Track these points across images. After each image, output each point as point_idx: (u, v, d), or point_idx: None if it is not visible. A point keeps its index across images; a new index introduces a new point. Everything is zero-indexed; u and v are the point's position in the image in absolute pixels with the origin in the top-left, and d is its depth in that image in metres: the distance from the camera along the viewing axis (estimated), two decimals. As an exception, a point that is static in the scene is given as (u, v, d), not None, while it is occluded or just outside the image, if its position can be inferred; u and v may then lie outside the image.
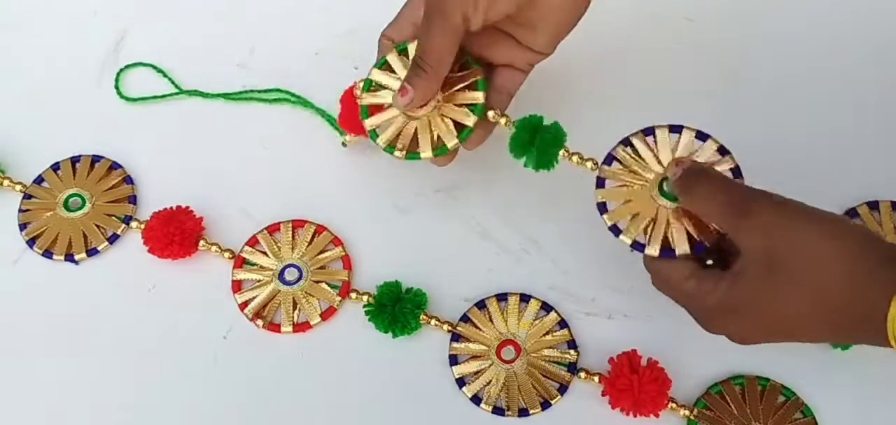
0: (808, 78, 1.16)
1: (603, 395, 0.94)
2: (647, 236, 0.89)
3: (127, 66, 1.21)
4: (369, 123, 1.00)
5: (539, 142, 0.96)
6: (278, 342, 1.00)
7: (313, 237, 1.06)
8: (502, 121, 0.98)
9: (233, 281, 1.03)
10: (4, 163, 1.12)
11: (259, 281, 1.03)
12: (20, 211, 1.09)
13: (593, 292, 1.01)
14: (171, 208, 1.06)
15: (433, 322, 0.99)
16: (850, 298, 0.79)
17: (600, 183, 0.94)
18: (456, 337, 0.99)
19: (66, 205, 1.09)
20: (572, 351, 0.98)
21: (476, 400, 0.95)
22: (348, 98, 1.08)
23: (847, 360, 0.95)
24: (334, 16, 1.24)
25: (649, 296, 0.95)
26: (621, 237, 0.90)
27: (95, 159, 1.12)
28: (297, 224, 1.07)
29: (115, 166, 1.12)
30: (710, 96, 1.15)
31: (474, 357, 0.98)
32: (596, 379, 0.95)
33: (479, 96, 0.99)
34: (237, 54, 1.22)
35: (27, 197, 1.10)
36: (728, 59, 1.18)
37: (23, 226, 1.08)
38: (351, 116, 1.08)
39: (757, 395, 0.94)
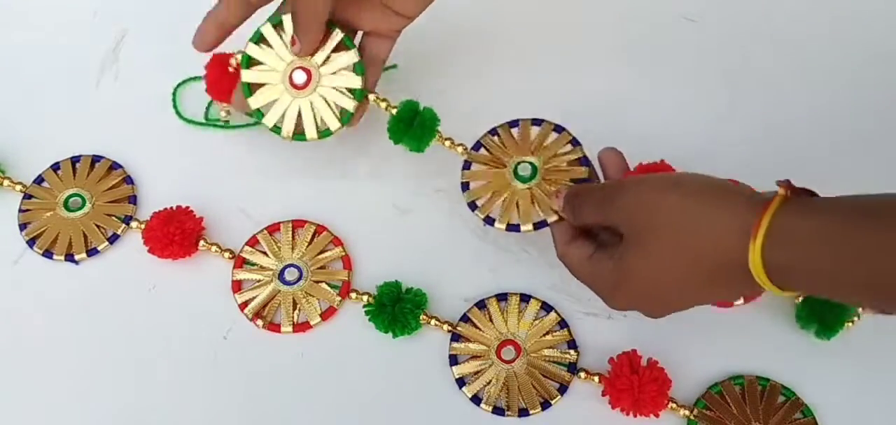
0: (808, 77, 1.17)
1: (603, 395, 0.94)
2: (500, 212, 0.99)
3: (183, 82, 1.20)
4: (254, 102, 1.04)
5: (416, 126, 1.05)
6: (278, 342, 1.00)
7: (313, 237, 1.06)
8: (382, 105, 1.04)
9: (233, 281, 1.03)
10: (4, 163, 1.12)
11: (259, 281, 1.03)
12: (20, 211, 1.09)
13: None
14: (171, 208, 1.06)
15: (433, 322, 0.99)
16: (715, 248, 0.82)
17: (467, 165, 1.04)
18: (456, 337, 0.99)
19: (66, 205, 1.09)
20: (572, 351, 0.98)
21: (476, 400, 0.95)
22: (216, 65, 1.12)
23: (847, 360, 0.95)
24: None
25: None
26: (476, 212, 1.00)
27: (96, 159, 1.12)
28: (297, 224, 1.07)
29: (115, 166, 1.12)
30: (711, 96, 1.15)
31: (474, 357, 0.98)
32: (596, 379, 0.95)
33: (357, 81, 1.03)
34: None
35: (27, 197, 1.10)
36: (728, 59, 1.18)
37: (23, 226, 1.08)
38: (219, 84, 1.12)
39: (757, 395, 0.94)
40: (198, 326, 1.01)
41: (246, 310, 1.01)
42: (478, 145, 1.05)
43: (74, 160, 1.12)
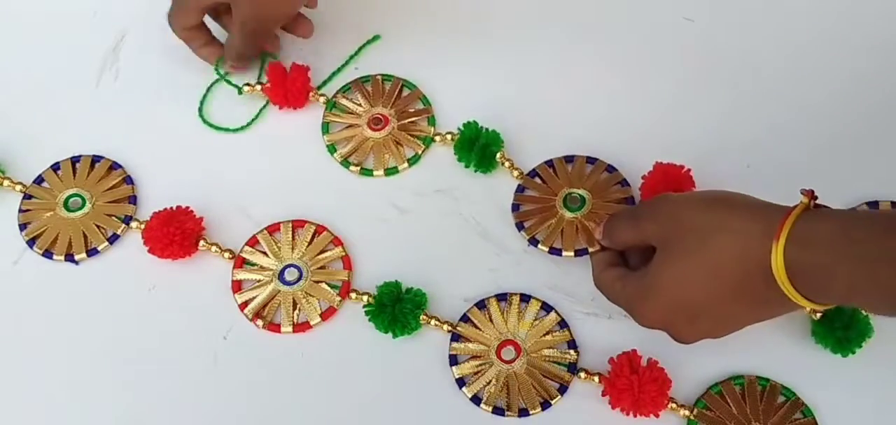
0: (808, 77, 1.16)
1: (603, 395, 0.94)
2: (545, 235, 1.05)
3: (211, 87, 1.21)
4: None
5: (478, 148, 1.09)
6: (278, 342, 1.00)
7: (313, 237, 1.06)
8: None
9: (233, 281, 1.03)
10: (4, 164, 1.12)
11: (259, 281, 1.03)
12: (20, 211, 1.09)
13: (593, 292, 1.00)
14: (171, 208, 1.06)
15: (433, 322, 0.99)
16: (739, 254, 0.84)
17: (521, 189, 1.09)
18: (456, 337, 0.99)
19: (66, 206, 1.09)
20: (572, 352, 0.97)
21: (476, 400, 0.95)
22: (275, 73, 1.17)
23: (847, 360, 0.95)
24: (334, 15, 1.24)
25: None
26: (522, 232, 1.05)
27: (95, 159, 1.12)
28: (297, 224, 1.07)
29: (115, 166, 1.12)
30: (711, 96, 1.15)
31: (474, 357, 0.98)
32: (596, 379, 0.95)
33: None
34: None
35: (27, 197, 1.10)
36: (728, 59, 1.18)
37: (23, 227, 1.08)
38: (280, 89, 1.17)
39: (757, 395, 0.94)
40: (198, 326, 1.01)
41: (246, 310, 1.01)
42: (534, 172, 1.10)
43: (74, 160, 1.12)
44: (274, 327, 1.01)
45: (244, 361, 0.99)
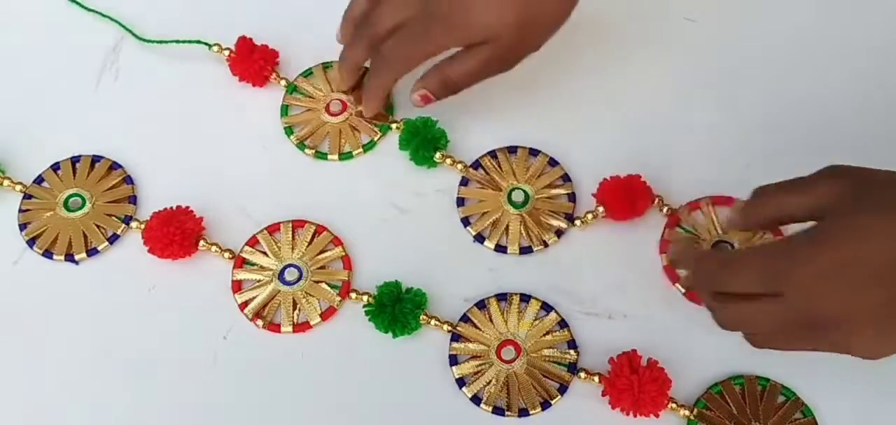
0: (808, 77, 1.17)
1: (603, 395, 0.94)
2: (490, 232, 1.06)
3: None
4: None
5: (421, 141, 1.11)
6: (278, 342, 1.00)
7: (313, 237, 1.06)
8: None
9: (233, 281, 1.03)
10: (4, 163, 1.12)
11: (259, 281, 1.03)
12: (20, 211, 1.09)
13: (593, 292, 1.01)
14: (171, 208, 1.06)
15: (433, 322, 0.99)
16: None
17: (464, 182, 1.10)
18: (456, 337, 0.99)
19: (66, 206, 1.09)
20: (572, 352, 0.97)
21: (476, 400, 0.95)
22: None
23: (847, 359, 0.95)
24: (333, 15, 1.24)
25: (649, 296, 0.98)
26: (468, 229, 1.07)
27: (95, 159, 1.12)
28: (297, 224, 1.07)
29: (115, 166, 1.12)
30: (711, 96, 1.15)
31: (474, 357, 0.98)
32: (596, 379, 0.95)
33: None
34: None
35: (27, 197, 1.10)
36: (728, 59, 1.18)
37: (23, 226, 1.08)
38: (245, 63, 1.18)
39: (757, 395, 0.94)
40: (197, 326, 1.01)
41: (246, 310, 1.01)
42: (477, 164, 1.11)
43: (74, 160, 1.12)
44: (274, 327, 1.01)
45: (244, 361, 0.99)
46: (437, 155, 1.11)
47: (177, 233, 1.03)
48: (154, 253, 1.04)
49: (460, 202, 1.09)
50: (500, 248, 1.05)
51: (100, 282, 1.05)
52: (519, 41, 1.03)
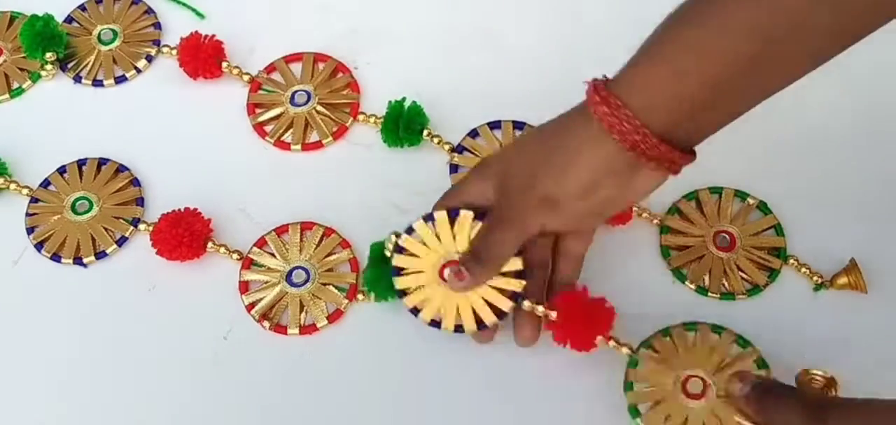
0: (808, 77, 1.16)
1: (545, 327, 0.96)
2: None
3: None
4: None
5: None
6: (284, 344, 1.01)
7: (321, 239, 1.06)
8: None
9: (240, 281, 1.04)
10: (11, 167, 1.12)
11: (266, 282, 1.04)
12: (27, 214, 1.09)
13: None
14: (179, 210, 1.06)
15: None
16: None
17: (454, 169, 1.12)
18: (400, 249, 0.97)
19: (73, 208, 1.09)
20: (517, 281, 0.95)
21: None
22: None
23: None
24: (334, 16, 1.25)
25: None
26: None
27: (102, 162, 1.13)
28: (306, 226, 1.07)
29: (121, 168, 1.12)
30: None
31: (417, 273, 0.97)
32: (540, 308, 0.95)
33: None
34: (237, 54, 1.22)
35: (34, 200, 1.10)
36: None
37: (30, 230, 1.08)
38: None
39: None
40: (205, 328, 1.02)
41: (253, 311, 1.02)
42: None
43: (80, 163, 1.13)
44: (280, 329, 1.02)
45: (250, 364, 1.00)
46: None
47: (186, 235, 1.03)
48: (162, 254, 1.04)
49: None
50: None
51: (109, 284, 1.05)
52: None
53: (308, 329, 1.02)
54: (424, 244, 0.97)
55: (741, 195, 1.08)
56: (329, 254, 1.06)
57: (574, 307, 0.94)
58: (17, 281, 1.06)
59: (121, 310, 1.04)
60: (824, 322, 1.01)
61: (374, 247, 1.00)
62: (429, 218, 0.98)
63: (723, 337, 0.97)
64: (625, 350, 0.96)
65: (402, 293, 0.96)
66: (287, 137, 1.16)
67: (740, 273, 1.04)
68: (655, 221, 1.07)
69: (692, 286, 1.04)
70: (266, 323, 1.01)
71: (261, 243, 1.06)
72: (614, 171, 0.90)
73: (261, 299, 1.03)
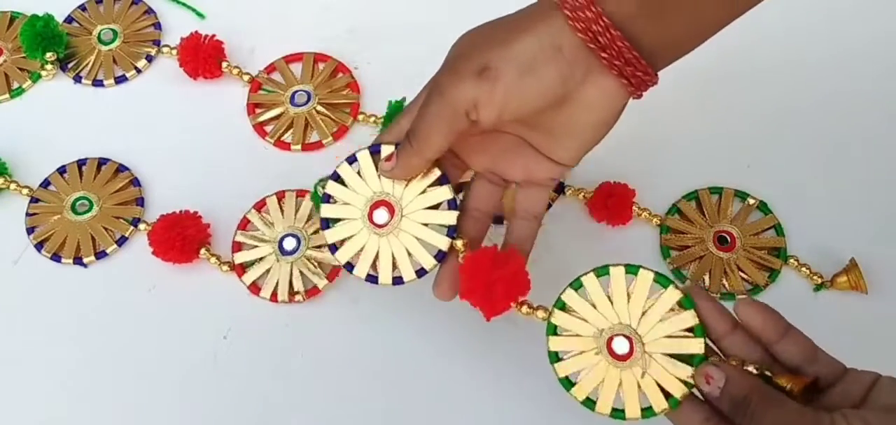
0: (808, 77, 1.18)
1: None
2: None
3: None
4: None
5: None
6: (287, 314, 1.03)
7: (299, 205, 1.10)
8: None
9: (235, 265, 1.06)
10: (11, 167, 1.12)
11: (261, 258, 1.06)
12: (27, 214, 1.09)
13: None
14: (178, 212, 1.06)
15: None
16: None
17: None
18: (326, 198, 0.92)
19: (73, 208, 1.09)
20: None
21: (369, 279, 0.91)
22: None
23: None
24: (334, 16, 1.25)
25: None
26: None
27: (102, 162, 1.13)
28: (280, 195, 1.10)
29: (122, 168, 1.13)
30: (710, 97, 1.16)
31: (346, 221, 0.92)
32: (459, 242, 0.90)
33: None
34: (237, 54, 1.22)
35: (34, 200, 1.10)
36: (728, 59, 1.17)
37: (30, 230, 1.08)
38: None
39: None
40: (205, 327, 1.03)
41: (261, 293, 1.04)
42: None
43: (80, 163, 1.13)
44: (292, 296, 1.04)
45: (250, 357, 1.01)
46: None
47: (177, 239, 1.04)
48: (158, 256, 1.04)
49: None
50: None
51: (109, 284, 1.06)
52: None
53: (312, 292, 1.04)
54: (351, 189, 0.91)
55: (741, 195, 1.08)
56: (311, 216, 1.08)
57: (480, 264, 0.87)
58: (17, 281, 1.06)
59: (121, 310, 1.04)
60: (824, 322, 0.97)
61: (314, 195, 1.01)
62: (352, 159, 0.92)
63: (639, 277, 0.85)
64: (540, 313, 0.87)
65: (334, 247, 0.91)
66: (287, 137, 1.16)
67: (740, 273, 1.04)
68: (655, 221, 1.07)
69: (692, 286, 1.03)
70: (298, 297, 1.04)
71: (244, 224, 1.08)
72: (560, 53, 0.81)
73: (261, 275, 1.05)
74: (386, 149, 0.90)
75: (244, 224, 1.08)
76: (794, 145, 1.12)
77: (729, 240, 1.06)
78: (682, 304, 0.83)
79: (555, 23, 0.82)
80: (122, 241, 1.08)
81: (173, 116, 1.19)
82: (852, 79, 1.17)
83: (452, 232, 0.89)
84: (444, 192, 0.90)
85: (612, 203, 1.07)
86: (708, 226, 1.07)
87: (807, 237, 1.06)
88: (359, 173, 0.91)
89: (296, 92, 1.19)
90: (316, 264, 1.05)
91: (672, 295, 0.83)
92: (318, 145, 1.15)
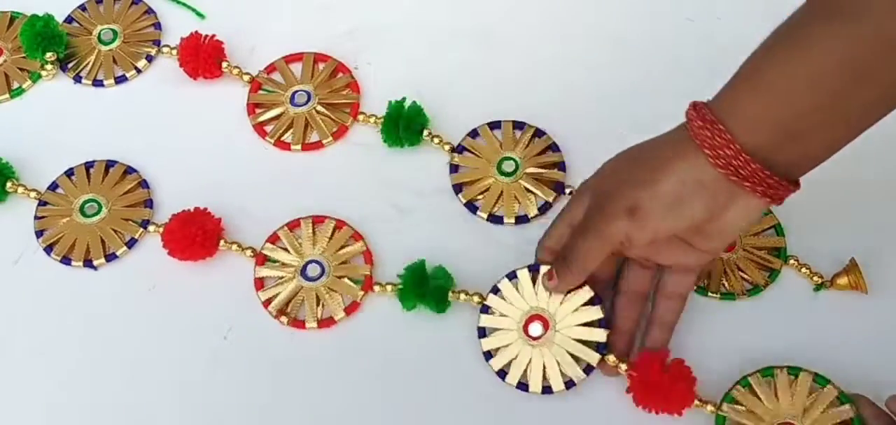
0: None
1: (627, 392, 0.95)
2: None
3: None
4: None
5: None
6: (303, 339, 1.02)
7: (333, 232, 1.07)
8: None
9: (255, 278, 1.05)
10: (18, 171, 1.12)
11: (281, 278, 1.04)
12: (36, 217, 1.09)
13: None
14: (190, 210, 1.06)
15: (462, 296, 1.01)
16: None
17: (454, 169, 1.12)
18: (485, 309, 1.00)
19: (82, 211, 1.09)
20: (601, 330, 0.97)
21: (501, 374, 0.98)
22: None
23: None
24: (334, 16, 1.25)
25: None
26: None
27: (109, 164, 1.13)
28: (318, 220, 1.08)
29: (129, 171, 1.12)
30: (709, 94, 1.15)
31: (500, 330, 0.99)
32: (623, 367, 0.96)
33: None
34: (237, 54, 1.22)
35: (42, 204, 1.10)
36: (729, 59, 1.18)
37: (39, 233, 1.08)
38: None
39: (787, 386, 0.95)
40: (217, 326, 1.03)
41: (270, 308, 1.03)
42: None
43: (88, 166, 1.13)
44: (298, 324, 1.02)
45: (269, 360, 1.01)
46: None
47: (198, 234, 1.04)
48: (174, 255, 1.05)
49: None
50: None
51: (119, 286, 1.06)
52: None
53: (325, 322, 1.02)
54: (509, 302, 1.00)
55: None
56: (342, 247, 1.06)
57: (652, 370, 0.94)
58: (24, 283, 1.06)
59: (121, 311, 1.04)
60: (824, 322, 1.01)
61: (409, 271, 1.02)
62: (512, 276, 1.00)
63: (801, 379, 0.95)
64: (709, 407, 0.95)
65: (488, 355, 0.98)
66: (287, 137, 1.16)
67: (740, 273, 1.04)
68: None
69: (692, 286, 1.03)
70: (284, 319, 1.02)
71: (273, 239, 1.07)
72: (703, 187, 0.88)
73: (277, 295, 1.03)
74: (545, 268, 0.98)
75: (274, 238, 1.08)
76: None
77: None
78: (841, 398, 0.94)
79: (696, 161, 0.88)
80: (131, 243, 1.08)
81: (173, 116, 1.19)
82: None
83: (603, 348, 0.97)
84: (595, 312, 0.98)
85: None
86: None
87: (807, 237, 1.06)
88: (517, 288, 0.99)
89: (296, 92, 1.19)
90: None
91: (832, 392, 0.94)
92: (318, 145, 1.15)
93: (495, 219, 1.09)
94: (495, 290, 1.00)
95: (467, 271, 1.04)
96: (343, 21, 1.25)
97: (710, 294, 1.04)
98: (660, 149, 0.92)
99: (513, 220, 1.09)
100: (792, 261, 1.05)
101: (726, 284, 1.04)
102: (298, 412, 0.98)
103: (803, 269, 1.04)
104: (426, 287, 1.00)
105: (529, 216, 1.09)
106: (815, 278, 1.04)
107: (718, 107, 0.88)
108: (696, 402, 0.94)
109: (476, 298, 1.00)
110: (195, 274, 1.06)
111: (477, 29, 1.23)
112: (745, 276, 1.05)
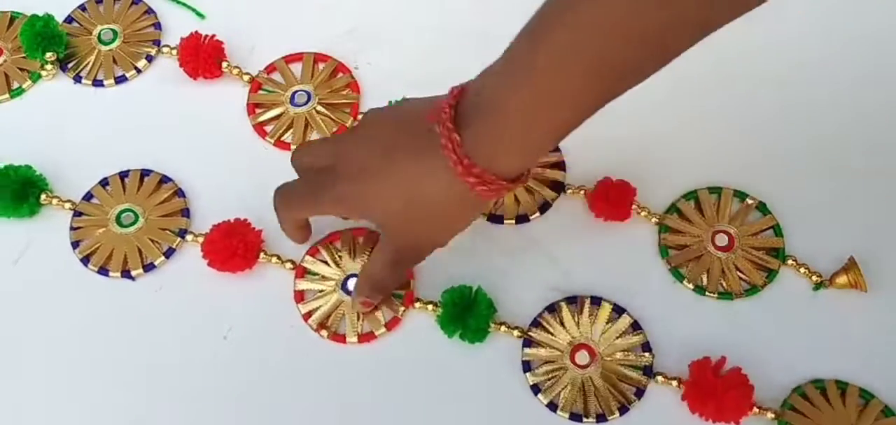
0: (808, 77, 1.19)
1: (682, 399, 0.96)
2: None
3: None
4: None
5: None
6: (344, 353, 1.03)
7: (373, 247, 1.07)
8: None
9: (295, 291, 1.05)
10: (52, 183, 1.11)
11: (321, 291, 1.05)
12: (71, 228, 1.08)
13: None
14: (230, 221, 1.06)
15: (503, 327, 1.01)
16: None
17: None
18: (528, 342, 1.01)
19: (118, 221, 1.08)
20: (647, 354, 1.00)
21: (552, 406, 0.98)
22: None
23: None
24: (334, 16, 1.26)
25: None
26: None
27: (144, 173, 1.12)
28: (357, 232, 1.09)
29: (164, 180, 1.12)
30: (710, 97, 1.18)
31: (547, 362, 1.00)
32: (675, 383, 0.98)
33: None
34: (237, 53, 1.22)
35: (77, 214, 1.09)
36: (728, 59, 1.18)
37: (76, 244, 1.07)
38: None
39: (839, 399, 0.97)
40: (262, 338, 1.03)
41: (310, 321, 1.03)
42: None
43: (123, 175, 1.12)
44: (338, 338, 1.02)
45: (308, 372, 1.01)
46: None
47: (239, 246, 1.04)
48: (214, 266, 1.04)
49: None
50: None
51: (158, 297, 1.05)
52: (409, 231, 0.99)
53: (366, 337, 1.03)
54: (552, 334, 1.02)
55: (740, 195, 1.09)
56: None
57: (708, 380, 0.95)
58: (76, 295, 1.06)
59: (122, 312, 1.05)
60: (824, 321, 1.03)
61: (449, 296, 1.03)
62: (552, 308, 1.03)
63: (849, 392, 0.97)
64: (770, 415, 0.96)
65: (537, 388, 0.99)
66: (287, 137, 1.16)
67: (738, 273, 1.05)
68: (654, 220, 1.09)
69: (690, 286, 1.05)
70: (324, 333, 1.02)
71: (313, 252, 1.07)
72: (460, 202, 0.94)
73: (318, 308, 1.04)
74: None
75: (314, 251, 1.08)
76: (794, 145, 1.13)
77: (727, 239, 1.07)
78: None
79: (456, 188, 0.92)
80: (169, 253, 1.07)
81: (173, 117, 1.18)
82: (852, 79, 1.18)
83: (649, 371, 1.00)
84: (639, 338, 1.01)
85: (613, 198, 1.08)
86: (707, 225, 1.08)
87: (806, 237, 1.06)
88: (561, 322, 1.03)
89: (296, 92, 1.19)
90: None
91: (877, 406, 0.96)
92: (318, 145, 1.16)
93: (495, 218, 1.10)
94: (536, 323, 1.02)
95: (467, 271, 1.05)
96: (343, 21, 1.25)
97: (707, 293, 1.04)
98: (425, 182, 0.94)
99: (513, 220, 1.10)
100: (790, 262, 1.05)
101: (724, 284, 1.05)
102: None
103: (802, 269, 1.04)
104: (468, 321, 1.01)
105: (529, 216, 1.10)
106: (814, 277, 1.04)
107: (472, 142, 0.91)
108: (756, 409, 0.95)
109: (516, 332, 1.02)
110: (247, 285, 1.06)
111: (477, 29, 1.23)
112: (743, 276, 1.05)
